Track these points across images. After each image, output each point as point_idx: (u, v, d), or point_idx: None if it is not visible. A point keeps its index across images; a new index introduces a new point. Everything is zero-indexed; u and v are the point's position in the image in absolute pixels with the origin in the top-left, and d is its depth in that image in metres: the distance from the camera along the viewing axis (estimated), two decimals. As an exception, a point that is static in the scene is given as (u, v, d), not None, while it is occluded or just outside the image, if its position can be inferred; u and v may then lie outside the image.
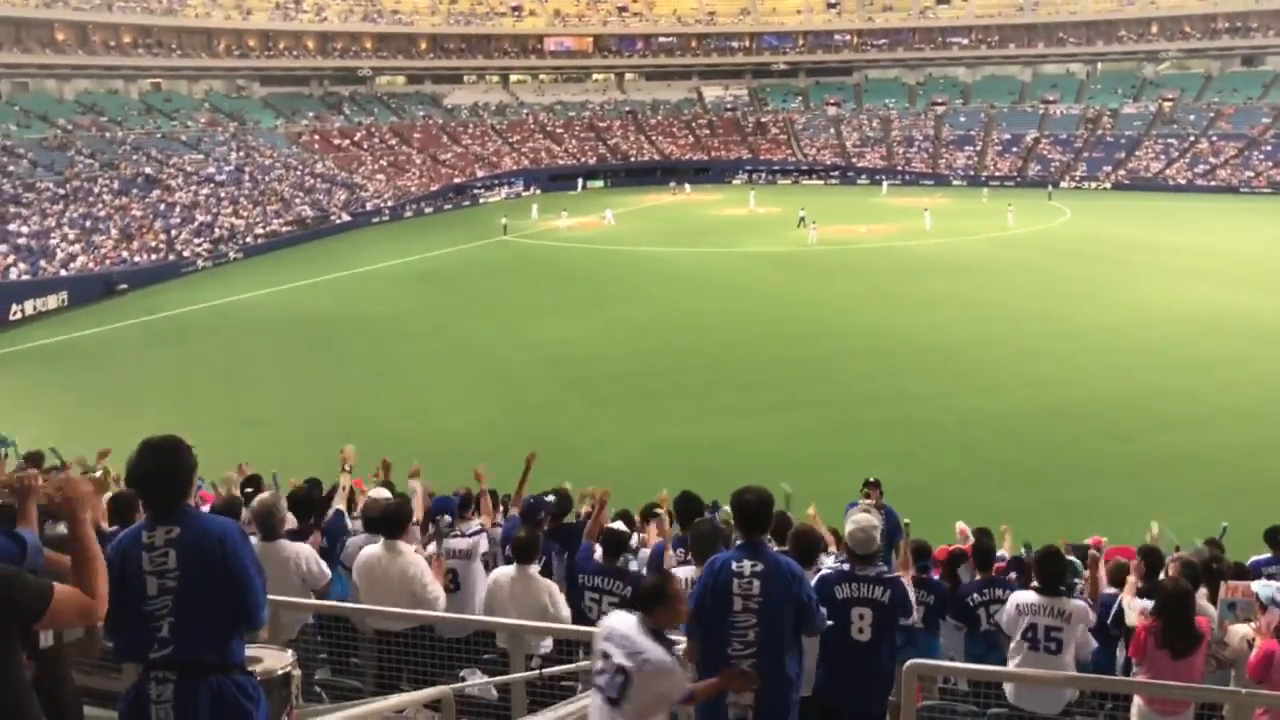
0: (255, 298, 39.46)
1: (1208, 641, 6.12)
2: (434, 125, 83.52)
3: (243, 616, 3.98)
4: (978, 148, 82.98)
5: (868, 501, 9.19)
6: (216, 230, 51.95)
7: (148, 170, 56.92)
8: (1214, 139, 76.18)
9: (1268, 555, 9.27)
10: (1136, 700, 5.95)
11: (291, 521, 7.66)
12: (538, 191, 75.37)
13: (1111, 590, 7.49)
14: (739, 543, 4.92)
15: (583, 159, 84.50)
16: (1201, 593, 7.73)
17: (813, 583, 5.53)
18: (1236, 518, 11.94)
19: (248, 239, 52.68)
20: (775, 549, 5.17)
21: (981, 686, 6.62)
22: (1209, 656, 6.10)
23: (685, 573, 6.21)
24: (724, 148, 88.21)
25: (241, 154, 65.16)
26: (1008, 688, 6.03)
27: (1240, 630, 6.14)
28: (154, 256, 46.13)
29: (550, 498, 8.78)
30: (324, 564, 7.00)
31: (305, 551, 6.87)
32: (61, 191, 49.70)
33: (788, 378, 25.35)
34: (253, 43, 78.41)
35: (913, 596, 5.78)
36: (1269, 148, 73.14)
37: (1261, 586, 6.40)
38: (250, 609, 3.97)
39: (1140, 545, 8.80)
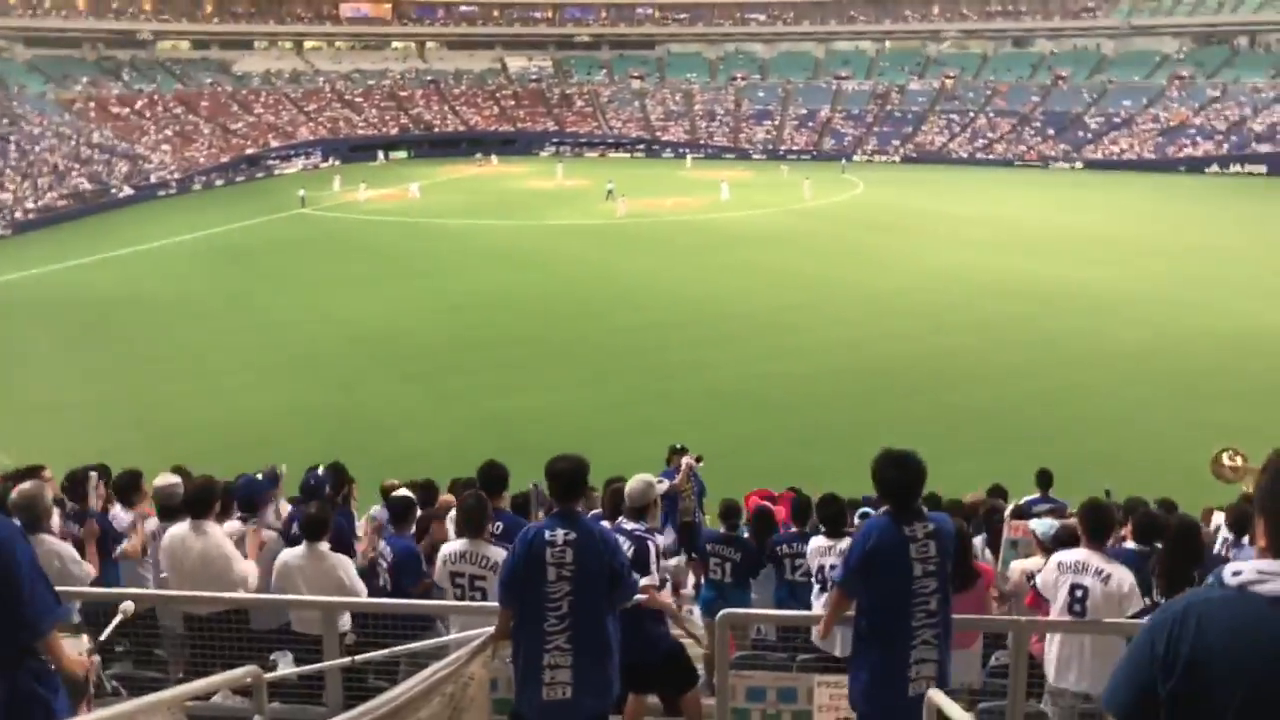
0: (29, 277, 36.52)
1: (991, 579, 6.64)
2: (223, 93, 79.20)
3: (24, 625, 3.73)
4: (776, 122, 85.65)
5: (689, 461, 9.44)
6: (-21, 205, 47.76)
7: (-107, 139, 51.68)
8: (991, 115, 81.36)
9: (1037, 495, 10.15)
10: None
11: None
12: (337, 163, 72.80)
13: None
14: (552, 512, 4.94)
15: (384, 129, 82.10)
16: (982, 537, 8.38)
17: None
18: (1013, 465, 12.93)
19: (16, 214, 48.62)
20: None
21: (790, 634, 6.97)
22: (998, 592, 6.62)
23: (454, 547, 6.16)
24: (530, 119, 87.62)
25: (5, 121, 59.91)
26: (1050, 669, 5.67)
27: (1020, 565, 6.68)
28: (-95, 234, 42.00)
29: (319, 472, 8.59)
30: (84, 563, 6.54)
31: (63, 548, 6.40)
32: None
33: (598, 350, 25.59)
34: (14, 0, 72.01)
35: (655, 554, 5.82)
36: (1038, 124, 78.72)
37: (1038, 524, 7.00)
38: (26, 620, 3.72)
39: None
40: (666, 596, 6.10)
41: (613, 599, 4.89)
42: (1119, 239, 40.63)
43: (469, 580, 5.94)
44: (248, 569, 6.51)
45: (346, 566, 6.48)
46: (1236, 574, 2.16)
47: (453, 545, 6.16)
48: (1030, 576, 6.23)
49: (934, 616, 4.59)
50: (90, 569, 6.53)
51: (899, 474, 4.64)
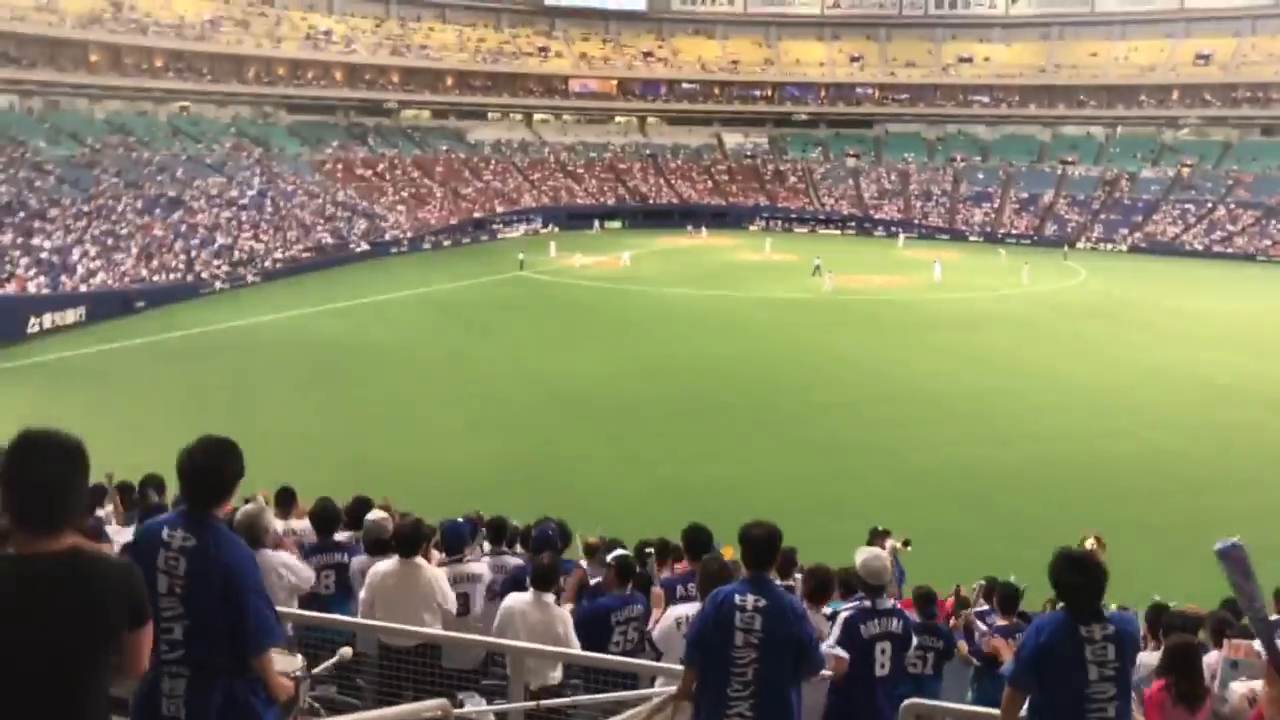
0: (270, 321, 39.74)
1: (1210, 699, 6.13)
2: (456, 159, 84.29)
3: (246, 640, 4.01)
4: (995, 204, 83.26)
5: (893, 544, 9.21)
6: (236, 253, 52.41)
7: (171, 191, 57.52)
8: (1231, 206, 76.31)
9: (1277, 616, 9.25)
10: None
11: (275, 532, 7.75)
12: (555, 229, 75.84)
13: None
14: (743, 577, 4.94)
15: (601, 199, 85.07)
16: (1214, 656, 7.74)
17: (839, 626, 5.57)
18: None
19: (266, 263, 53.10)
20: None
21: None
22: (1211, 713, 6.10)
23: (687, 609, 6.22)
24: (742, 194, 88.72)
25: (264, 179, 65.82)
26: None
27: (1240, 688, 6.14)
28: (173, 276, 46.53)
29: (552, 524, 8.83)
30: (305, 566, 7.07)
31: (284, 557, 6.93)
32: (86, 208, 50.23)
33: (797, 423, 25.38)
34: (281, 71, 79.45)
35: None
36: (1286, 217, 73.23)
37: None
38: (248, 636, 3.99)
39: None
40: None
41: (799, 670, 4.82)
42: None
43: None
44: (451, 596, 6.83)
45: (567, 621, 6.67)
46: None
47: (683, 608, 6.23)
48: (1252, 700, 5.71)
49: None
50: (310, 573, 7.04)
51: (1080, 579, 4.44)
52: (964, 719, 7.20)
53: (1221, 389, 29.44)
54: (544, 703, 5.79)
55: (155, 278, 45.46)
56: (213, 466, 4.02)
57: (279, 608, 6.42)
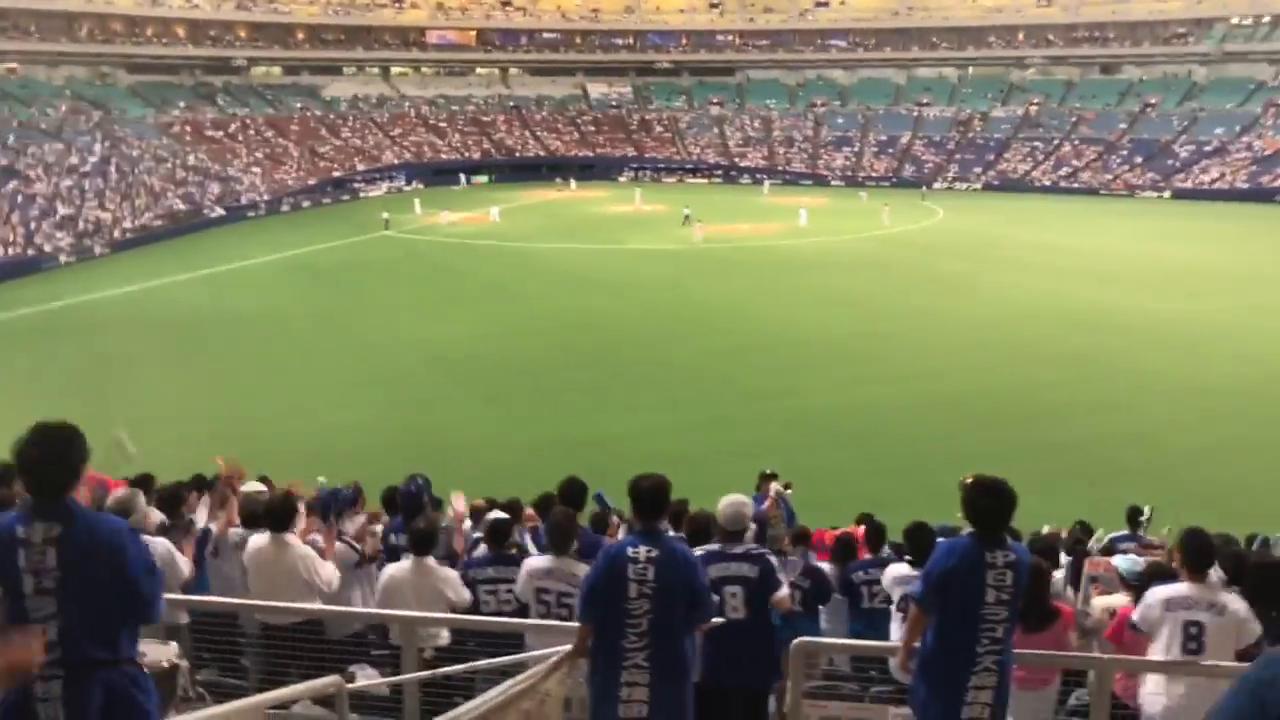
0: (125, 294, 37.84)
1: (1071, 619, 6.45)
2: (312, 118, 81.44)
3: (138, 615, 3.89)
4: (855, 148, 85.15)
5: (779, 487, 9.35)
6: (81, 224, 49.63)
7: (2, 160, 53.99)
8: (1076, 143, 79.85)
9: (1125, 531, 9.84)
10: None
11: (158, 517, 7.45)
12: (420, 186, 74.29)
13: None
14: (636, 529, 4.95)
15: (466, 153, 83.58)
16: (1063, 574, 8.16)
17: None
18: (1096, 502, 12.59)
19: (115, 233, 50.48)
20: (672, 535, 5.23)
21: (863, 664, 6.85)
22: (1078, 629, 6.43)
23: (541, 561, 6.21)
24: (609, 145, 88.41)
25: (107, 144, 62.34)
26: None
27: (1102, 602, 6.49)
28: (11, 250, 43.82)
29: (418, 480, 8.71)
30: (186, 562, 6.80)
31: (161, 548, 6.64)
32: (-93, 181, 46.84)
33: (676, 374, 25.59)
34: (118, 28, 75.03)
35: (782, 571, 5.84)
36: (1125, 152, 77.01)
37: (1122, 560, 6.80)
38: (145, 608, 3.87)
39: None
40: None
41: (691, 619, 4.87)
42: (1210, 271, 39.50)
43: (556, 597, 5.99)
44: (331, 572, 6.65)
45: (454, 581, 6.58)
46: None
47: (538, 561, 6.22)
48: (1112, 613, 6.05)
49: (998, 644, 4.64)
50: (187, 567, 6.77)
51: (992, 501, 4.68)
52: (849, 652, 7.47)
53: (1079, 318, 30.89)
54: (437, 671, 5.71)
55: (-9, 253, 42.74)
56: (54, 455, 3.78)
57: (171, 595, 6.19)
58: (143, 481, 8.65)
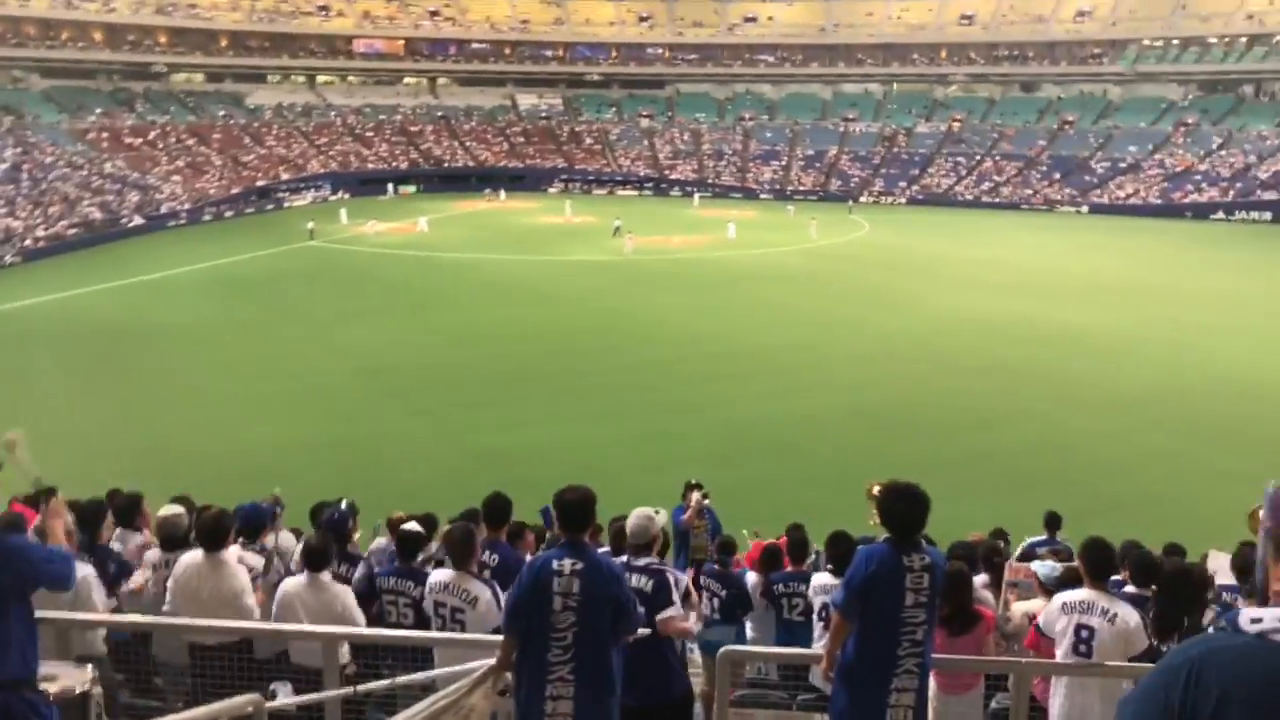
0: (36, 305, 36.67)
1: (992, 622, 6.57)
2: (235, 126, 79.93)
3: (53, 585, 3.97)
4: (783, 162, 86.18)
5: (699, 497, 9.36)
6: (-10, 232, 48.03)
7: (-92, 166, 52.13)
8: (997, 159, 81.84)
9: (1043, 536, 10.09)
10: (931, 683, 6.32)
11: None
12: (346, 196, 73.29)
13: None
14: (561, 542, 4.92)
15: (394, 163, 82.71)
16: (984, 579, 8.33)
17: None
18: (1016, 509, 12.87)
19: (26, 242, 48.89)
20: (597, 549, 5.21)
21: (790, 673, 6.90)
22: (998, 635, 6.56)
23: (441, 576, 6.17)
24: (539, 156, 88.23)
25: (19, 150, 60.42)
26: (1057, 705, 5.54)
27: (1022, 607, 6.63)
28: (-83, 260, 42.24)
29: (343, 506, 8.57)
30: (101, 592, 6.60)
31: (82, 573, 6.44)
32: None
33: (605, 385, 25.59)
34: (31, 31, 72.81)
35: (678, 587, 5.79)
36: (1045, 168, 79.12)
37: (1040, 566, 6.96)
38: (54, 579, 3.92)
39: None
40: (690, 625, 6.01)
41: (617, 631, 4.86)
42: (1125, 284, 40.70)
43: (450, 612, 5.95)
44: (254, 603, 6.53)
45: (346, 598, 6.47)
46: (1256, 621, 2.07)
47: (439, 575, 6.17)
48: (1032, 618, 6.18)
49: (918, 647, 4.72)
50: (108, 600, 6.58)
51: (905, 506, 4.77)
52: (772, 660, 7.53)
53: (1001, 330, 31.61)
54: (360, 688, 5.61)
55: (-105, 262, 41.14)
56: None
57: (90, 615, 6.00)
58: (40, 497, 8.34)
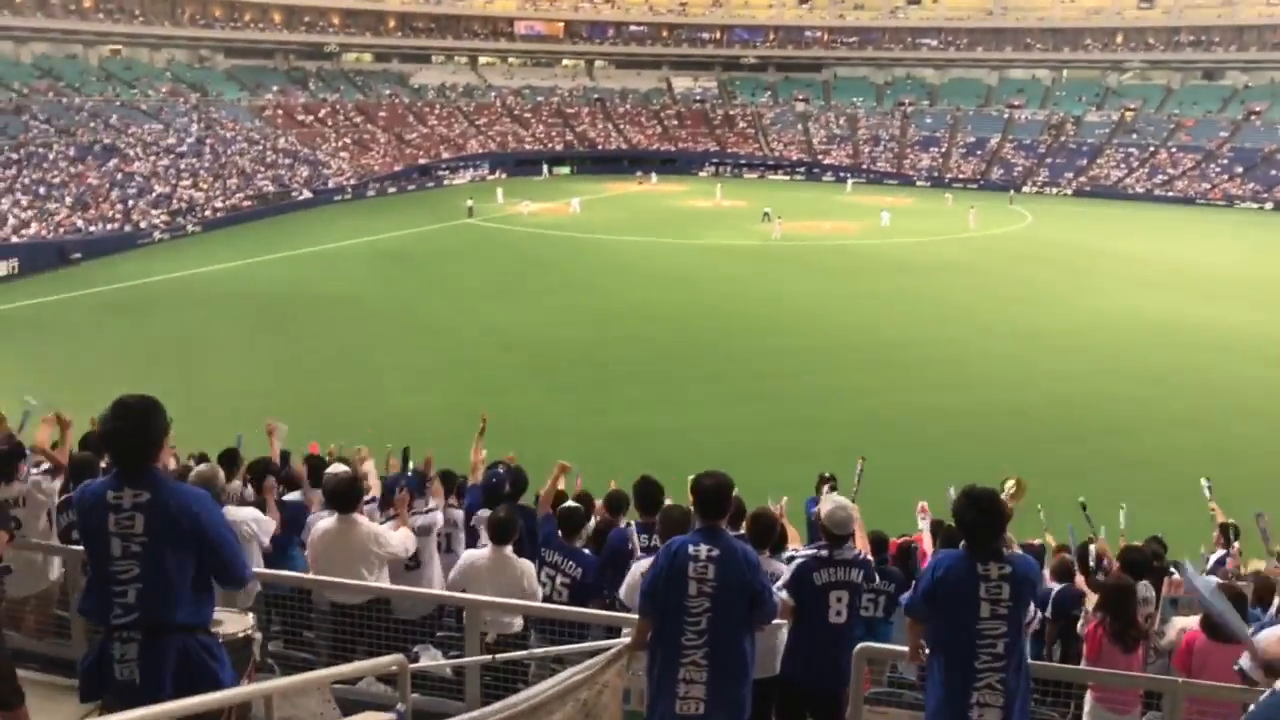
0: (213, 272, 38.97)
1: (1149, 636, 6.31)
2: (400, 104, 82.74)
3: (225, 578, 4.13)
4: (943, 149, 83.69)
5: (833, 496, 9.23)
6: (175, 202, 51.20)
7: (105, 139, 55.91)
8: (1173, 150, 77.44)
9: (1220, 552, 9.54)
10: (1089, 699, 6.10)
11: (234, 491, 7.70)
12: (503, 175, 74.97)
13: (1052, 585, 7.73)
14: (697, 527, 4.96)
15: (549, 145, 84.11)
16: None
17: (789, 572, 5.59)
18: (1178, 520, 12.24)
19: (206, 212, 51.96)
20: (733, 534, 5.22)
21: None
22: (1149, 649, 6.29)
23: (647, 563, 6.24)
24: (691, 139, 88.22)
25: (203, 126, 64.15)
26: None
27: (1179, 623, 6.32)
28: (109, 226, 45.38)
29: (500, 470, 8.82)
30: (269, 522, 7.05)
31: (249, 514, 6.89)
32: (15, 156, 48.68)
33: (746, 371, 25.50)
34: (218, 13, 77.07)
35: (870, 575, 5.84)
36: (1225, 161, 74.47)
37: (1201, 581, 6.60)
38: (231, 570, 4.11)
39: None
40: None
41: (752, 619, 4.88)
42: (1310, 286, 38.04)
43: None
44: (404, 537, 6.84)
45: (528, 571, 6.70)
46: None
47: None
48: (1187, 635, 5.90)
49: (1000, 660, 4.48)
50: (274, 522, 7.04)
51: (975, 515, 4.56)
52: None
53: (1164, 332, 30.04)
54: (499, 655, 5.80)
55: (91, 228, 44.30)
56: (135, 428, 3.94)
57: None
58: (230, 456, 8.93)
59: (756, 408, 22.44)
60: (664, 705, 4.81)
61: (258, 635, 4.69)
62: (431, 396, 23.17)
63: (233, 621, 4.62)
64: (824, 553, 5.62)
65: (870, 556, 5.91)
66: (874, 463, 18.32)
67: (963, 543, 4.70)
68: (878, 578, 5.74)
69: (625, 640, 5.07)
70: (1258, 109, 78.49)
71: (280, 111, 73.22)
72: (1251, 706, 2.99)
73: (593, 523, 8.25)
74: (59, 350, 27.21)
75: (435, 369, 25.66)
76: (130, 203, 48.48)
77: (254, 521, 6.88)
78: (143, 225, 46.94)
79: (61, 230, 42.89)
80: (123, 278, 37.34)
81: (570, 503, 7.65)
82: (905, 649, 6.84)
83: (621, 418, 21.65)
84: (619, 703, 5.12)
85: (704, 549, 4.75)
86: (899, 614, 7.83)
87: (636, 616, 5.14)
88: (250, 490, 7.90)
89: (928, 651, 4.79)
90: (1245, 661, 5.01)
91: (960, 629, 4.53)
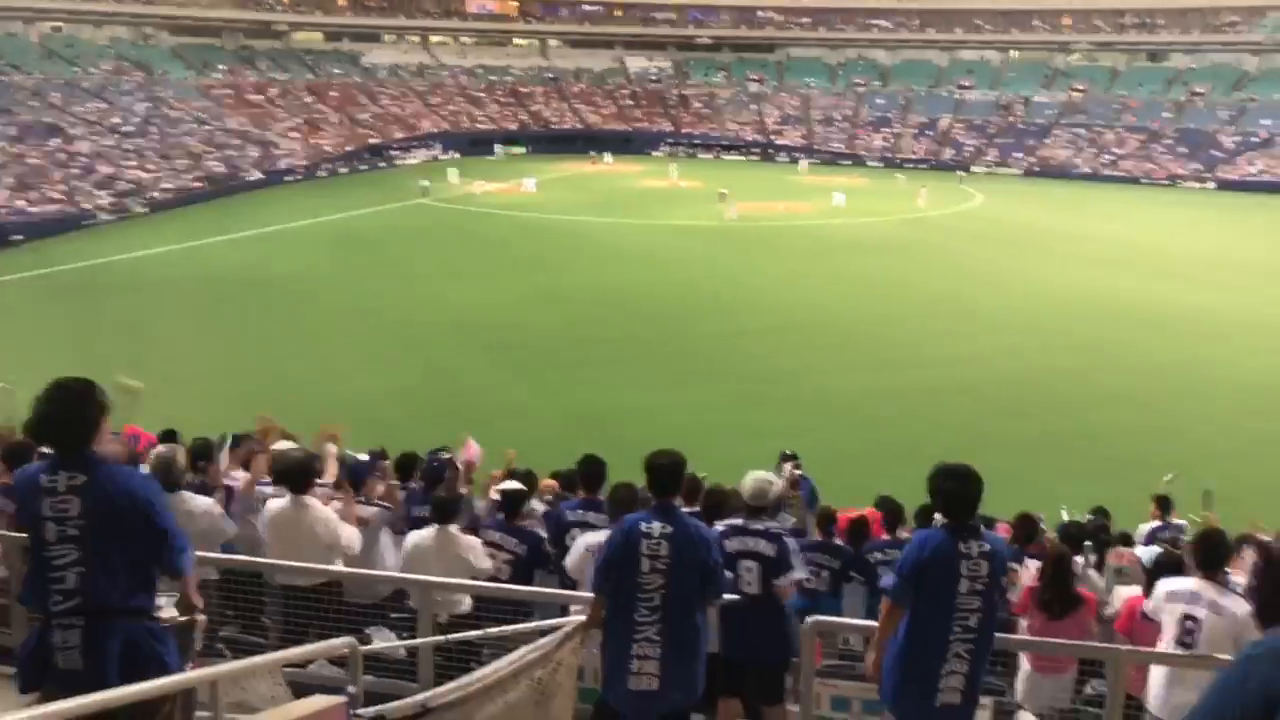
0: (162, 254, 38.28)
1: (1094, 606, 6.44)
2: (351, 84, 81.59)
3: (165, 566, 4.04)
4: (894, 130, 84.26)
5: (790, 468, 9.34)
6: (120, 183, 50.14)
7: (46, 117, 54.60)
8: (1119, 130, 78.58)
9: (1158, 522, 9.74)
10: (1022, 661, 6.25)
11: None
12: (456, 155, 74.28)
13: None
14: (650, 505, 4.98)
15: (503, 124, 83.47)
16: (1089, 560, 8.12)
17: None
18: (1116, 493, 12.50)
19: (154, 193, 50.95)
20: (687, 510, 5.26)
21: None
22: (1098, 619, 6.42)
23: (595, 537, 6.27)
24: (647, 119, 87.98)
25: (149, 105, 62.85)
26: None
27: (1124, 593, 6.47)
28: (52, 208, 44.36)
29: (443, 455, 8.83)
30: (229, 519, 6.95)
31: (207, 504, 6.79)
32: (-47, 136, 47.45)
33: (702, 351, 25.59)
34: (162, -11, 75.52)
35: (798, 556, 5.85)
36: (1169, 141, 75.71)
37: (1144, 551, 6.77)
38: (174, 558, 4.01)
39: (1017, 515, 9.04)
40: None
41: (705, 595, 4.93)
42: (1248, 263, 38.87)
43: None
44: (352, 534, 6.74)
45: (476, 549, 6.69)
46: None
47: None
48: (1130, 604, 6.04)
49: (971, 633, 4.58)
50: (233, 525, 6.93)
51: (955, 485, 4.62)
52: (864, 633, 7.47)
53: (1113, 309, 30.52)
54: (451, 636, 5.80)
55: (33, 210, 43.27)
56: (70, 411, 3.87)
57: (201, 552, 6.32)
58: (169, 435, 8.79)
59: (713, 387, 22.55)
60: (618, 681, 4.85)
61: (201, 619, 4.63)
62: (389, 377, 23.01)
63: (173, 607, 4.56)
64: (738, 521, 5.77)
65: (786, 534, 5.93)
66: (826, 440, 18.61)
67: (942, 521, 4.75)
68: (794, 556, 5.73)
69: (580, 618, 5.09)
70: (1200, 90, 79.87)
71: (229, 91, 71.92)
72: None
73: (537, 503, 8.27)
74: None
75: (391, 351, 25.46)
76: (73, 183, 47.42)
77: (215, 516, 6.78)
78: (87, 206, 45.95)
79: (3, 211, 41.86)
80: (66, 259, 36.55)
81: (512, 483, 7.64)
82: (856, 621, 6.95)
83: (578, 398, 21.65)
84: (574, 680, 5.13)
85: (657, 526, 4.78)
86: (853, 590, 7.96)
87: (588, 594, 5.17)
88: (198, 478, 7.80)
89: (900, 624, 4.74)
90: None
91: (937, 604, 4.58)
